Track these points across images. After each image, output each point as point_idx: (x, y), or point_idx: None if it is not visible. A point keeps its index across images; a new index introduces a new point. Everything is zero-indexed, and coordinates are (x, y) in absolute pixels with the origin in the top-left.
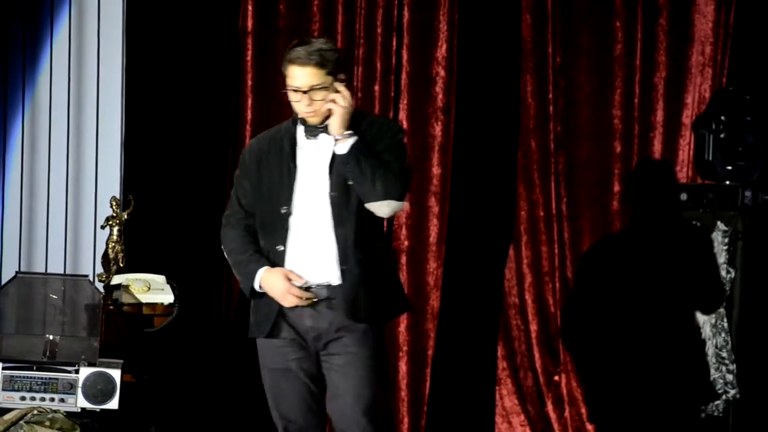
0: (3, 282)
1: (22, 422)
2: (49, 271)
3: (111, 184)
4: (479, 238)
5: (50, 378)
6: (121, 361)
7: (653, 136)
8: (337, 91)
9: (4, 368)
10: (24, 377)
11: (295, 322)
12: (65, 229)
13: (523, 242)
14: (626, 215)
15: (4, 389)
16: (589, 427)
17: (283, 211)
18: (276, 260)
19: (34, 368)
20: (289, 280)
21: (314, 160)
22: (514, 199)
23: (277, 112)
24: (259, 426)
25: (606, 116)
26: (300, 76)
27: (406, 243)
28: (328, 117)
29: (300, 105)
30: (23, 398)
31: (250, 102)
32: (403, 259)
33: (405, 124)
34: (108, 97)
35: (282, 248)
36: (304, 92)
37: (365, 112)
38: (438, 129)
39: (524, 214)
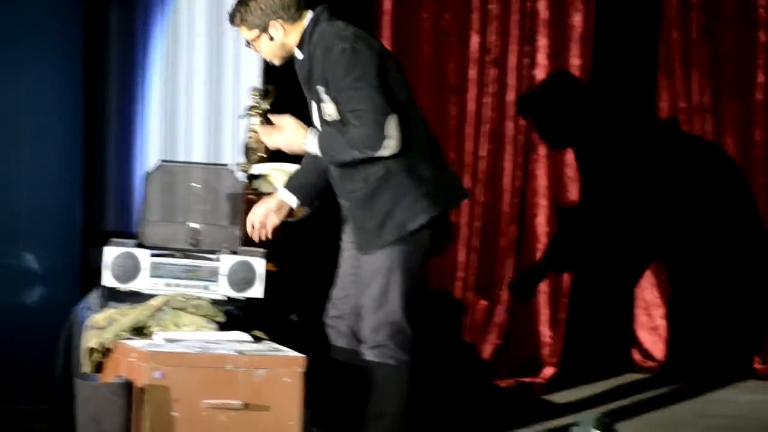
0: (147, 170)
1: (166, 307)
2: (190, 160)
3: (250, 74)
4: (619, 130)
5: (194, 266)
6: (264, 249)
7: None
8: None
9: (150, 255)
10: (169, 264)
11: None
12: (206, 119)
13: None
14: None
15: (150, 276)
16: None
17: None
18: None
19: (179, 255)
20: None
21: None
22: (654, 91)
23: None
24: None
25: (750, 4)
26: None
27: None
28: (289, 57)
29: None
30: (168, 285)
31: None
32: (543, 153)
33: (545, 14)
34: None
35: None
36: (248, 45)
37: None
38: (578, 19)
39: (665, 106)
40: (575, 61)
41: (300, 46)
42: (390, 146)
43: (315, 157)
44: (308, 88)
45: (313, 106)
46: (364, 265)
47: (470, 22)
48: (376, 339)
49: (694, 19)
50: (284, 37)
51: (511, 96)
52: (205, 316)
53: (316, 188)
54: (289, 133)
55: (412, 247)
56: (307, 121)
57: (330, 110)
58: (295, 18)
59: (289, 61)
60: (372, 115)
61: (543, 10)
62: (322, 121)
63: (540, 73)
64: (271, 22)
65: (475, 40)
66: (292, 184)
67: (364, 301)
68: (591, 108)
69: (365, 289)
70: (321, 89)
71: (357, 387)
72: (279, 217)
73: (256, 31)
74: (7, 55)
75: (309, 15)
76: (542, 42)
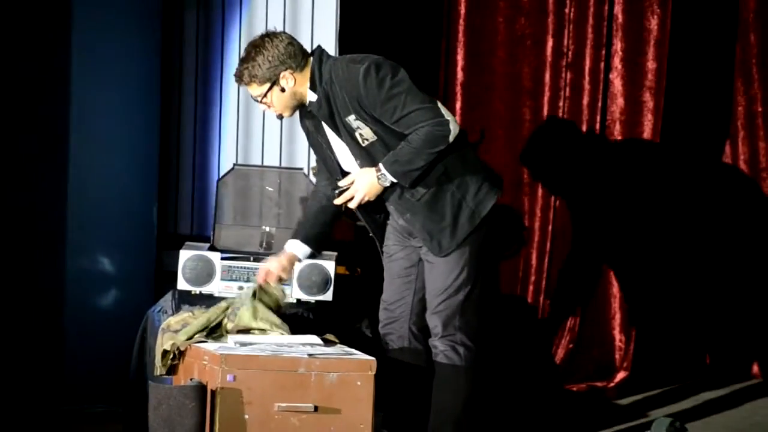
0: (221, 174)
1: (238, 303)
2: (264, 164)
3: None
4: (694, 134)
5: None
6: (335, 253)
7: None
8: (284, 88)
9: (222, 258)
10: (241, 268)
11: None
12: (281, 123)
13: (739, 138)
14: None
15: (222, 279)
16: None
17: (338, 178)
18: None
19: (251, 259)
20: None
21: (332, 138)
22: (731, 95)
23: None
24: None
25: None
26: (247, 88)
27: (619, 138)
28: (299, 107)
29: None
30: (240, 288)
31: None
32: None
33: (620, 18)
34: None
35: None
36: (257, 101)
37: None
38: (654, 23)
39: (741, 110)
40: (651, 65)
41: (310, 88)
42: (453, 128)
43: (319, 206)
44: (332, 124)
45: (337, 142)
46: (435, 262)
47: (546, 26)
48: (446, 330)
49: None
50: (294, 86)
51: (586, 100)
52: (276, 302)
53: (327, 237)
54: (360, 182)
55: (479, 240)
56: None
57: (367, 133)
58: (302, 65)
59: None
60: (424, 110)
61: (619, 14)
62: (360, 149)
63: (615, 77)
64: (282, 73)
65: (550, 43)
66: (305, 236)
67: (433, 295)
68: (666, 112)
69: (435, 284)
70: (351, 117)
71: (425, 383)
72: (288, 273)
73: (266, 86)
74: (87, 63)
75: (311, 59)
76: (618, 46)
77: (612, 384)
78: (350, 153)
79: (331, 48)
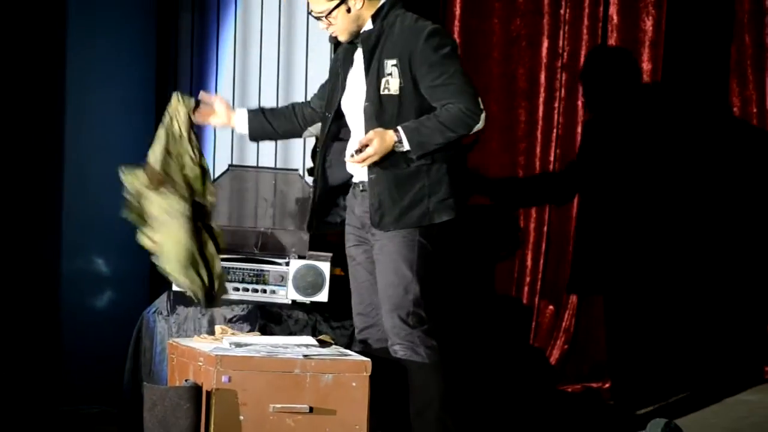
0: (216, 174)
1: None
2: (260, 165)
3: (322, 78)
4: (689, 135)
5: (262, 270)
6: (330, 254)
7: None
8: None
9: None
10: (237, 269)
11: None
12: None
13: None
14: None
15: None
16: None
17: (327, 115)
18: None
19: (247, 260)
20: None
21: (355, 72)
22: (726, 96)
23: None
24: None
25: None
26: (311, 4)
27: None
28: (356, 34)
29: (324, 29)
30: (236, 289)
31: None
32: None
33: (615, 19)
34: None
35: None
36: (319, 18)
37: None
38: (649, 24)
39: (737, 111)
40: (646, 66)
41: (372, 17)
42: (481, 123)
43: (289, 114)
44: (368, 58)
45: (357, 79)
46: (381, 260)
47: (541, 27)
48: (403, 331)
49: (767, 24)
50: (361, 10)
51: (581, 101)
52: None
53: (269, 136)
54: (378, 144)
55: (428, 240)
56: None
57: (393, 85)
58: None
59: None
60: (468, 90)
61: (614, 14)
62: (376, 95)
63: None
64: None
65: (545, 44)
66: (254, 117)
67: (383, 294)
68: (661, 113)
69: (382, 281)
70: (389, 62)
71: (404, 386)
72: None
73: (336, 1)
74: (83, 64)
75: None
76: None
77: (607, 385)
78: (364, 93)
79: (327, 50)
